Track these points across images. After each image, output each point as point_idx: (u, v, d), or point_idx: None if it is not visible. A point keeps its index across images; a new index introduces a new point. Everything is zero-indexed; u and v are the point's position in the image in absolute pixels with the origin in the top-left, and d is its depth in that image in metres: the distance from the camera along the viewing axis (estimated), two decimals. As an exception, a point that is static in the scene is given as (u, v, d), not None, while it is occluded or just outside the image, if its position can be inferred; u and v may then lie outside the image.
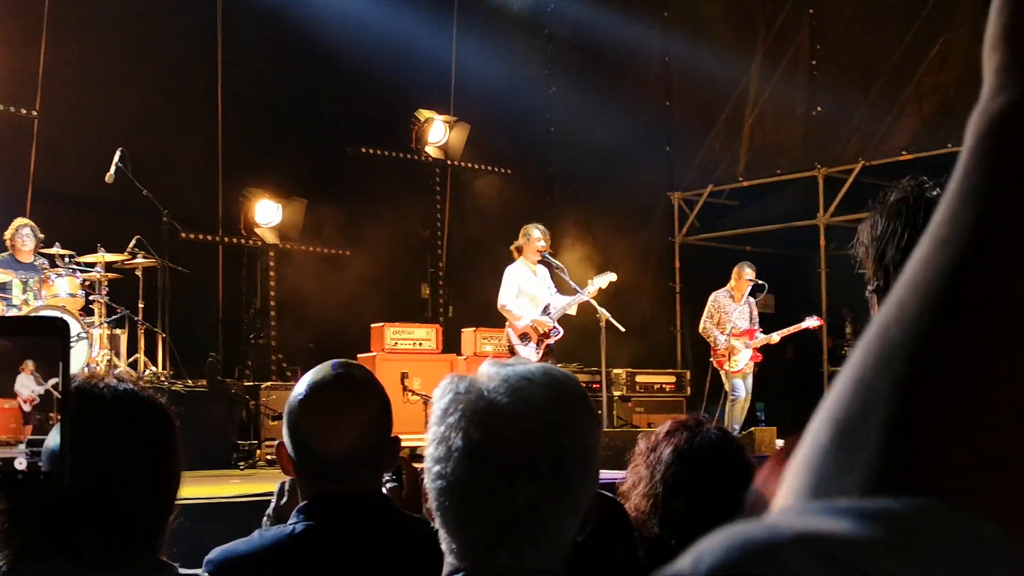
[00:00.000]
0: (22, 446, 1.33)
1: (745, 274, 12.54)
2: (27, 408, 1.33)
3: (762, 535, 0.49)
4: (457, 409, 1.58)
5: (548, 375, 1.63)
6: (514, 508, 1.57)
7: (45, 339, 1.33)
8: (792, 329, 12.80)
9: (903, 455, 0.52)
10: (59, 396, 1.31)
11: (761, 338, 12.55)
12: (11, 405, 1.32)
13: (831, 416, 0.54)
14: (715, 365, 12.69)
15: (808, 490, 0.53)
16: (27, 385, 1.32)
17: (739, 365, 12.42)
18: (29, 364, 1.32)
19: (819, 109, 14.99)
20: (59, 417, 1.33)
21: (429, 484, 1.61)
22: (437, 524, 1.63)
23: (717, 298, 12.67)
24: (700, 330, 12.81)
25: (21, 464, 1.33)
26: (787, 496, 0.54)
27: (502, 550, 1.58)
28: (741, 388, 12.45)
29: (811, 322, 12.91)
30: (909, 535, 0.48)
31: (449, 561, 1.63)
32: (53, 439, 1.36)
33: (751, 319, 12.64)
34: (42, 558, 2.01)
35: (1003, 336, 0.52)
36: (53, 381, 1.32)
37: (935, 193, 1.88)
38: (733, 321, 12.45)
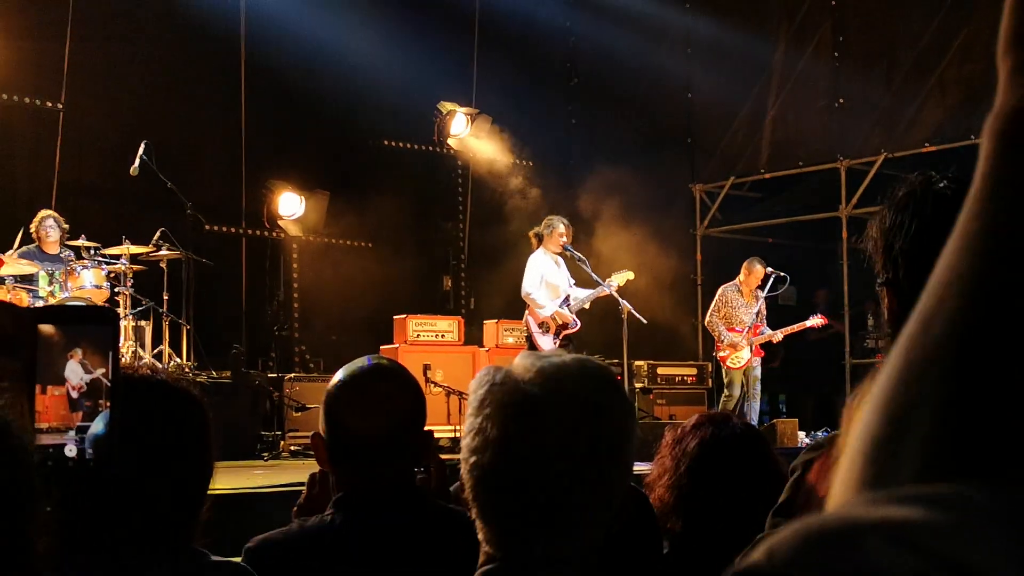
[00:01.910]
0: (71, 433, 1.36)
1: (755, 270, 12.50)
2: (75, 395, 1.36)
3: (837, 526, 0.49)
4: (493, 400, 1.60)
5: (583, 366, 1.64)
6: (548, 498, 1.58)
7: (95, 328, 1.36)
8: (795, 327, 12.75)
9: (959, 441, 0.53)
10: (108, 384, 1.34)
11: (764, 335, 12.52)
12: (60, 392, 1.35)
13: (882, 409, 0.55)
14: (719, 360, 12.69)
15: (868, 481, 0.54)
16: (76, 372, 1.35)
17: (740, 362, 12.39)
18: (78, 352, 1.35)
19: (841, 101, 14.94)
20: (107, 404, 1.36)
21: (465, 474, 1.63)
22: (473, 514, 1.65)
23: (725, 292, 12.65)
24: (706, 323, 12.80)
25: (71, 452, 1.36)
26: (846, 489, 0.56)
27: (537, 540, 1.60)
28: (736, 387, 12.42)
29: (814, 320, 12.87)
30: (978, 518, 0.49)
31: (485, 551, 1.65)
32: (98, 425, 1.39)
33: (758, 315, 12.59)
34: (79, 547, 2.04)
35: None
36: (102, 370, 1.35)
37: (941, 186, 1.90)
38: (739, 316, 12.44)
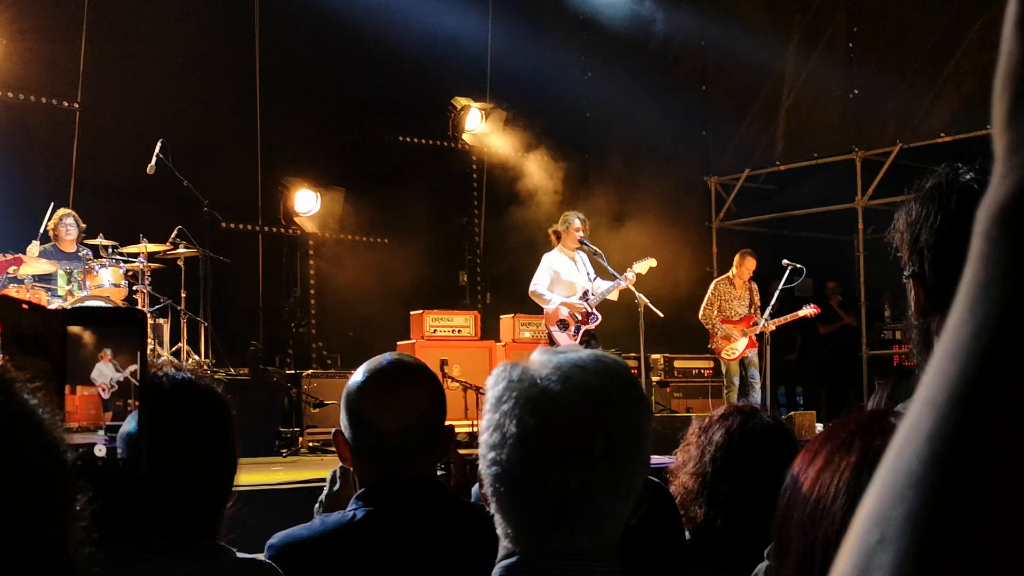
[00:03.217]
0: (101, 432, 1.38)
1: (746, 262, 12.59)
2: (106, 395, 1.38)
3: None
4: (511, 397, 1.61)
5: (600, 362, 1.66)
6: (567, 493, 1.59)
7: (123, 329, 1.38)
8: (788, 317, 12.76)
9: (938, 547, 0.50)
10: (137, 384, 1.36)
11: (757, 326, 12.53)
12: (90, 392, 1.37)
13: (853, 543, 0.53)
14: (715, 352, 12.72)
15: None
16: (105, 373, 1.37)
17: (735, 353, 12.44)
18: (108, 352, 1.37)
19: (856, 91, 14.90)
20: (137, 404, 1.38)
21: (484, 470, 1.65)
22: (492, 509, 1.66)
23: (717, 285, 12.76)
24: (700, 316, 12.81)
25: (101, 451, 1.38)
26: None
27: (555, 534, 1.62)
28: (736, 378, 12.48)
29: (807, 309, 12.87)
30: None
31: (504, 545, 1.66)
32: (130, 424, 1.41)
33: (751, 306, 12.64)
34: (106, 544, 2.06)
35: None
36: (131, 369, 1.37)
37: (968, 178, 1.91)
38: (733, 308, 12.48)
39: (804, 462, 1.28)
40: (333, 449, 2.69)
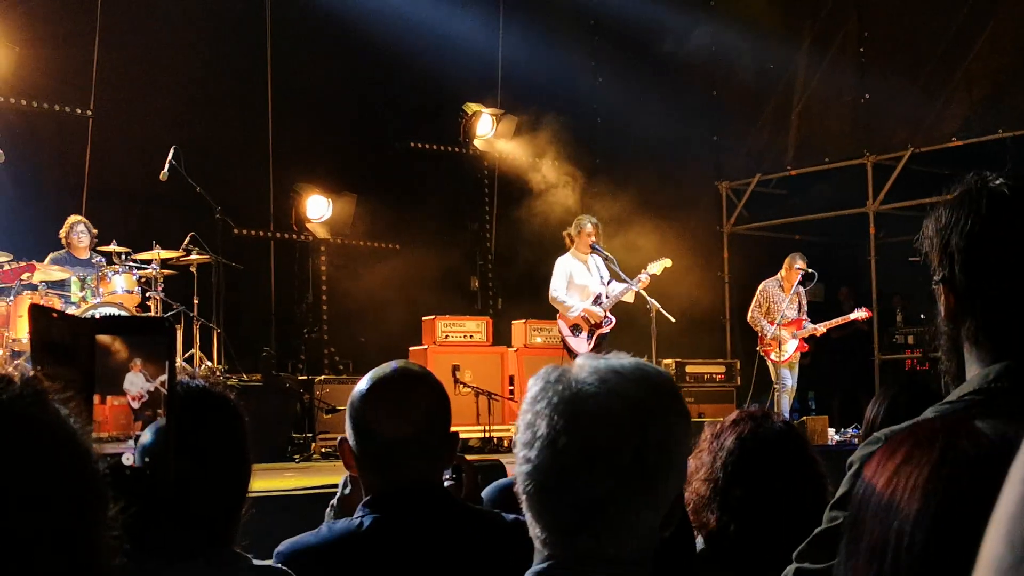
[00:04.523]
0: (131, 442, 1.40)
1: (796, 264, 12.52)
2: (136, 405, 1.39)
3: None
4: (545, 396, 1.63)
5: (639, 369, 1.66)
6: (593, 496, 1.60)
7: (151, 339, 1.39)
8: (839, 320, 12.81)
9: None
10: (166, 393, 1.38)
11: (808, 328, 12.53)
12: (121, 402, 1.38)
13: (988, 564, 0.54)
14: (762, 354, 12.68)
15: None
16: (135, 383, 1.39)
17: (786, 355, 12.41)
18: (137, 362, 1.38)
19: (867, 96, 14.89)
20: (162, 413, 1.39)
21: (516, 468, 1.66)
22: (524, 508, 1.67)
23: (767, 287, 12.66)
24: (748, 319, 12.79)
25: (128, 460, 1.40)
26: None
27: (581, 536, 1.62)
28: (788, 378, 12.44)
29: (859, 313, 12.88)
30: None
31: (538, 548, 1.67)
32: (147, 435, 1.42)
33: (800, 309, 12.62)
34: (132, 554, 2.07)
35: None
36: (161, 379, 1.38)
37: (997, 183, 1.92)
38: (783, 311, 12.43)
39: (884, 456, 1.31)
40: (341, 457, 2.71)
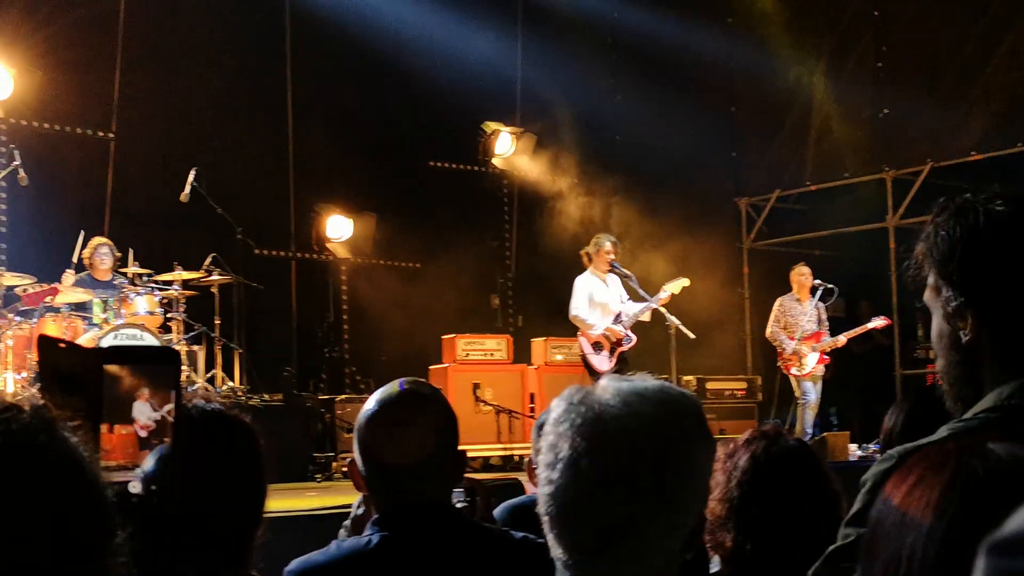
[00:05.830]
0: (138, 471, 1.41)
1: (800, 274, 12.53)
2: (143, 434, 1.41)
3: None
4: (568, 418, 1.63)
5: (663, 392, 1.67)
6: (614, 518, 1.60)
7: (158, 368, 1.41)
8: (858, 330, 12.74)
9: None
10: (172, 423, 1.40)
11: (828, 341, 12.48)
12: (128, 431, 1.40)
13: None
14: (783, 370, 12.64)
15: None
16: (143, 412, 1.41)
17: (807, 368, 12.36)
18: (145, 392, 1.40)
19: (886, 111, 14.87)
20: (167, 442, 1.41)
21: (538, 489, 1.67)
22: (545, 529, 1.68)
23: (783, 302, 12.65)
24: (767, 335, 12.77)
25: (136, 488, 1.41)
26: None
27: (603, 558, 1.63)
28: (811, 391, 12.38)
29: (877, 321, 12.84)
30: None
31: (559, 570, 1.67)
32: (149, 463, 1.44)
33: (819, 322, 12.58)
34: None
35: None
36: (168, 408, 1.40)
37: (993, 203, 1.94)
38: (802, 325, 12.40)
39: (899, 477, 1.34)
40: (350, 478, 2.72)
